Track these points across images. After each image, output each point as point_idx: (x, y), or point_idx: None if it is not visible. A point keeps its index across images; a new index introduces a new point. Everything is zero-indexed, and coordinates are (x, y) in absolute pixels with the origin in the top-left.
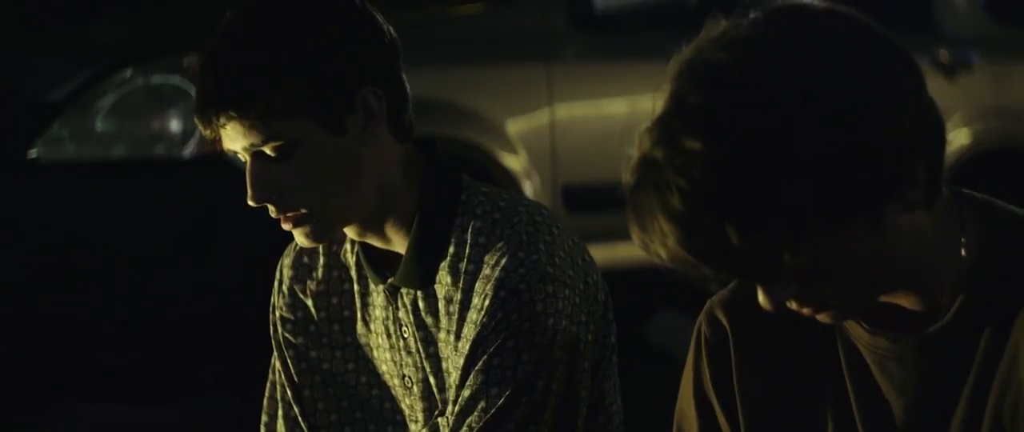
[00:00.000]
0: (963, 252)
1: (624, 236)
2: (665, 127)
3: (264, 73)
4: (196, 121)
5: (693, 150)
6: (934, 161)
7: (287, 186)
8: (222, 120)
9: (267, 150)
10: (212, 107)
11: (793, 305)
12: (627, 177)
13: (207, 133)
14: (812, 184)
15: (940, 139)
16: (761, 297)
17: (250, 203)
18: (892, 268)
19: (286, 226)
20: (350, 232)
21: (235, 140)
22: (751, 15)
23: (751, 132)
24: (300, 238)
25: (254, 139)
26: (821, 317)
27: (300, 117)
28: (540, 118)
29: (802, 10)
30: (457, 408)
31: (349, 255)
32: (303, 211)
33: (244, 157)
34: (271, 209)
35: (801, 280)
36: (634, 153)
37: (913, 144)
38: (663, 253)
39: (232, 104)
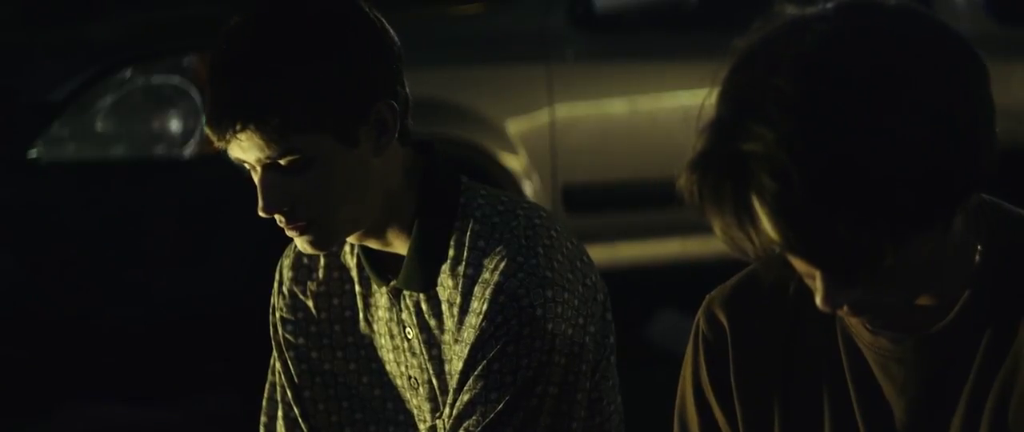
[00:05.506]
0: (976, 255)
1: (624, 236)
2: (757, 115)
3: (284, 88)
4: (208, 130)
5: (797, 140)
6: None
7: (299, 198)
8: (238, 132)
9: (281, 162)
10: (229, 119)
11: (843, 309)
12: (698, 168)
13: (220, 143)
14: (923, 178)
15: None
16: (821, 299)
17: (261, 214)
18: (939, 270)
19: (292, 234)
20: (351, 236)
21: (249, 152)
22: (824, 6)
23: (859, 124)
24: (304, 245)
25: (270, 152)
26: (860, 317)
27: (317, 131)
28: (540, 118)
29: (878, 3)
30: (455, 412)
31: (348, 257)
32: (312, 220)
33: (255, 168)
34: (278, 218)
35: (875, 283)
36: (704, 145)
37: (996, 140)
38: (749, 246)
39: (251, 117)
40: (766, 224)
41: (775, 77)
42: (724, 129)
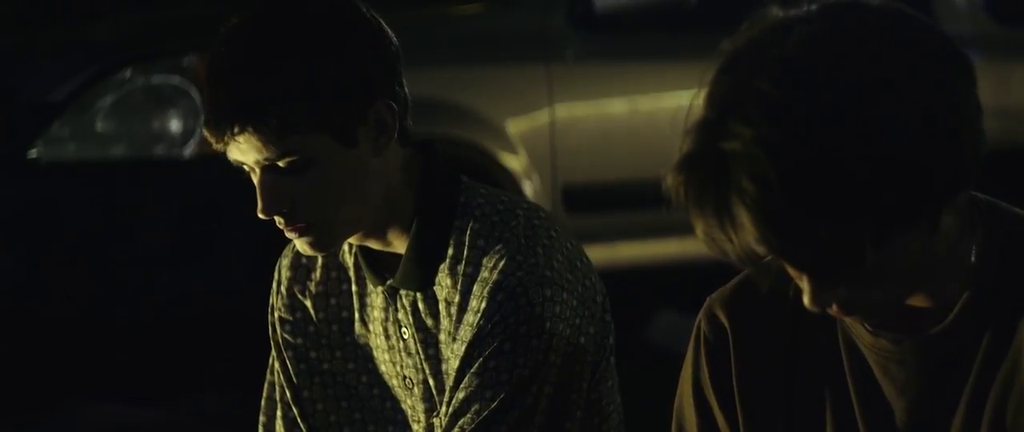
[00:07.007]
0: (972, 255)
1: (624, 236)
2: (738, 116)
3: (282, 88)
4: (206, 133)
5: (777, 141)
6: None
7: (299, 199)
8: (237, 133)
9: (280, 164)
10: (227, 121)
11: (833, 309)
12: (683, 170)
13: (218, 145)
14: (903, 179)
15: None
16: (808, 299)
17: (260, 216)
18: (930, 270)
19: (292, 235)
20: (352, 237)
21: (247, 153)
22: (808, 7)
23: (838, 124)
24: (304, 247)
25: (269, 153)
26: (851, 317)
27: (315, 131)
28: (540, 118)
29: (862, 4)
30: (451, 409)
31: (347, 256)
32: (311, 222)
33: (254, 170)
34: (278, 220)
35: (860, 282)
36: (689, 146)
37: (982, 139)
38: (730, 247)
39: (250, 118)
40: (747, 225)
41: (757, 79)
42: (707, 130)
